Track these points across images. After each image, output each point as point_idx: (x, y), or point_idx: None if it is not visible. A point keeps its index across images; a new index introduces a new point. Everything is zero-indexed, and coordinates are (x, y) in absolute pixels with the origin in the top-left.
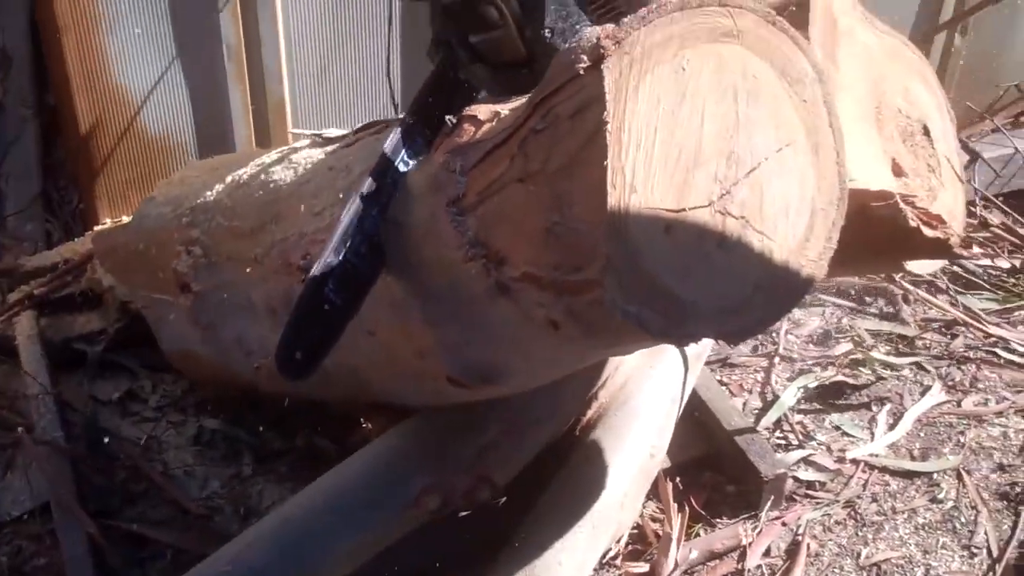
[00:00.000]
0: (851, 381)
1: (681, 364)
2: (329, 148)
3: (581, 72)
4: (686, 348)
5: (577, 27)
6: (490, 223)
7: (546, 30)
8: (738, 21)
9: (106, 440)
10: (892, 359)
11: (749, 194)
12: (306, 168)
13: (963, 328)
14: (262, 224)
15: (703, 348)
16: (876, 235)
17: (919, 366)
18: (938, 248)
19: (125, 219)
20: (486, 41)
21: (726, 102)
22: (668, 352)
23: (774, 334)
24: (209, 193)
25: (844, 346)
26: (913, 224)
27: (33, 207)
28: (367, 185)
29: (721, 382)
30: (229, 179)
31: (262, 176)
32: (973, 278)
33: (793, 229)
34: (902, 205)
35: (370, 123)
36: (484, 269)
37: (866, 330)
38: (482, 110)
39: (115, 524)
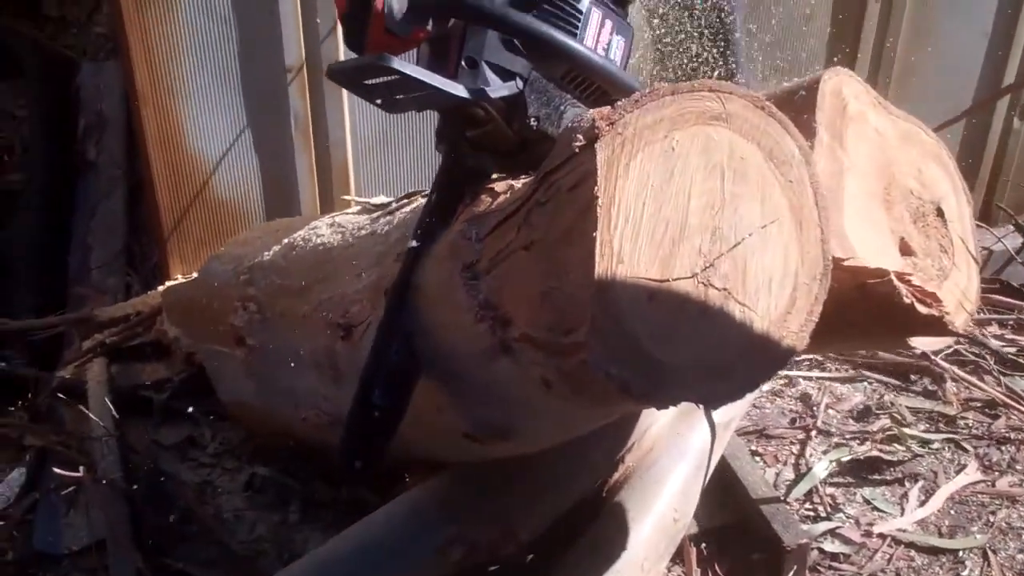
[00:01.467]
0: (886, 457)
1: (709, 432)
2: (375, 214)
3: (577, 150)
4: (714, 417)
5: (562, 108)
6: (499, 287)
7: (531, 119)
8: (727, 105)
9: (163, 481)
10: (929, 436)
11: (732, 267)
12: (352, 233)
13: (1006, 410)
14: (310, 284)
15: (731, 417)
16: (876, 311)
17: (957, 445)
18: (932, 325)
19: (194, 275)
20: (480, 135)
21: (713, 181)
22: (696, 420)
23: (814, 408)
24: (267, 253)
25: (882, 422)
26: (907, 301)
27: (116, 261)
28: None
29: (756, 452)
30: (285, 241)
31: (313, 239)
32: (1021, 360)
33: (775, 301)
34: (896, 282)
35: (410, 192)
36: (491, 330)
37: (907, 407)
38: (499, 184)
39: (165, 561)
